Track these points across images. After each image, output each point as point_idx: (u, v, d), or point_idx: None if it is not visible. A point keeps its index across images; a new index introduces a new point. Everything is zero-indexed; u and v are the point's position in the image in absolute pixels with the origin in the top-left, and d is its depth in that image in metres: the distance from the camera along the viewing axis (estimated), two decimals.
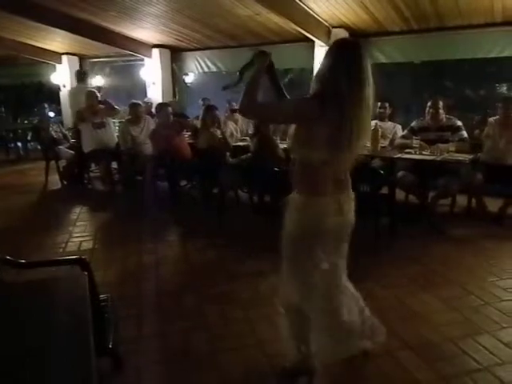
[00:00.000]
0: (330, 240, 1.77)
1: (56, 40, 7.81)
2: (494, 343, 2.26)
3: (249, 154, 4.77)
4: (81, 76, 6.12)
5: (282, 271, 1.88)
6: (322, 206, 1.71)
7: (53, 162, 6.29)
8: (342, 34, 5.98)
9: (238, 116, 6.07)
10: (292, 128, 1.74)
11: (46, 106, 11.49)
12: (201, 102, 6.65)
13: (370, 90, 1.64)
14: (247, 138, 5.42)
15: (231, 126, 5.89)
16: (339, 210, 1.73)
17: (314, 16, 5.49)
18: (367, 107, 1.65)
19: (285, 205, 1.79)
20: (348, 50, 1.67)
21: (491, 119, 4.47)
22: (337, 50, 1.67)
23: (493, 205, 4.56)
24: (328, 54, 1.68)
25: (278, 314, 2.04)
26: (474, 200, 4.55)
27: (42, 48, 8.44)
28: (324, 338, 1.79)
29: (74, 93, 6.01)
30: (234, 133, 5.93)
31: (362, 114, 1.63)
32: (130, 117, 5.73)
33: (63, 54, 8.95)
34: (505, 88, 5.82)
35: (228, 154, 5.08)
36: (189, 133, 5.85)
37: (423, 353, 2.18)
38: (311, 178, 1.70)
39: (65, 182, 6.29)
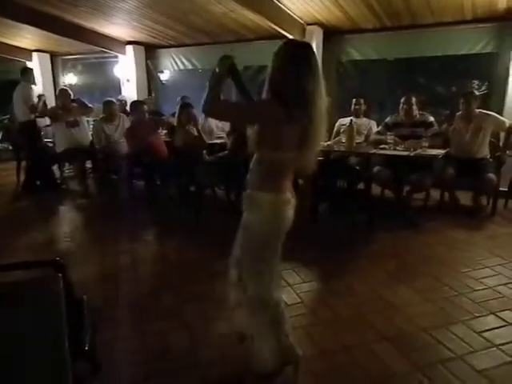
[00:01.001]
0: (283, 236, 1.83)
1: (26, 37, 7.59)
2: (467, 332, 2.33)
3: (226, 152, 4.76)
4: (25, 72, 6.01)
5: (244, 269, 1.89)
6: (285, 203, 1.76)
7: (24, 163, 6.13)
8: (317, 31, 6.03)
9: None
10: (253, 129, 1.74)
11: None
12: (178, 100, 6.58)
13: (322, 88, 1.69)
14: (224, 135, 5.40)
15: (212, 122, 5.87)
16: (292, 205, 1.80)
17: (288, 13, 5.50)
18: (324, 104, 1.70)
19: (244, 202, 1.80)
20: (303, 49, 1.70)
21: (457, 114, 4.63)
22: (293, 51, 1.68)
23: (464, 198, 4.71)
24: (283, 55, 1.68)
25: (248, 316, 2.02)
26: (446, 194, 4.69)
27: (11, 45, 8.18)
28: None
29: (17, 90, 5.91)
30: (215, 129, 5.92)
31: (322, 111, 1.69)
32: (103, 115, 5.64)
33: (34, 51, 8.71)
34: (475, 84, 5.96)
35: (204, 151, 5.06)
36: (165, 131, 5.80)
37: (398, 344, 2.24)
38: (275, 176, 1.73)
39: (38, 183, 6.14)
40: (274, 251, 1.83)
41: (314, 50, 1.74)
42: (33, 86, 6.10)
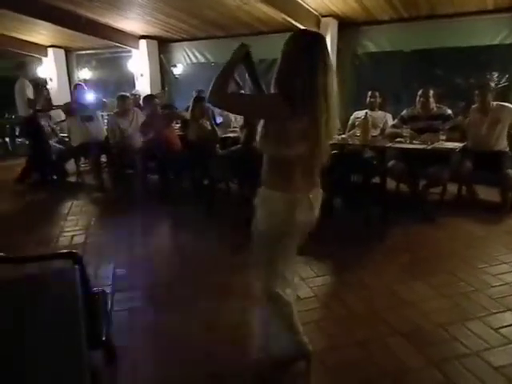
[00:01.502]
0: (296, 235, 1.80)
1: (41, 33, 7.67)
2: (484, 328, 2.30)
3: (238, 146, 4.76)
4: (20, 67, 6.09)
5: (257, 266, 1.91)
6: (294, 203, 1.69)
7: None
8: (332, 23, 5.96)
9: None
10: (260, 124, 1.68)
11: None
12: (194, 94, 6.59)
13: (334, 79, 1.62)
14: (237, 129, 5.40)
15: (231, 114, 5.87)
16: (309, 206, 1.74)
17: (302, 5, 5.45)
18: (335, 98, 1.62)
19: (257, 200, 1.78)
20: (314, 38, 1.62)
21: (472, 107, 4.55)
22: (304, 40, 1.61)
23: (484, 192, 4.63)
24: (292, 45, 1.61)
25: (266, 305, 2.04)
26: (464, 188, 4.61)
27: (27, 41, 8.28)
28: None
29: (20, 86, 6.00)
30: (233, 120, 5.92)
31: (332, 107, 1.61)
32: (117, 110, 5.67)
33: (49, 46, 8.80)
34: (495, 76, 5.82)
35: (217, 145, 5.06)
36: (178, 124, 5.81)
37: (413, 339, 2.21)
38: (283, 174, 1.68)
39: (54, 177, 6.23)
40: (274, 251, 1.80)
41: (329, 42, 1.69)
42: (26, 81, 6.15)
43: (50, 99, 6.18)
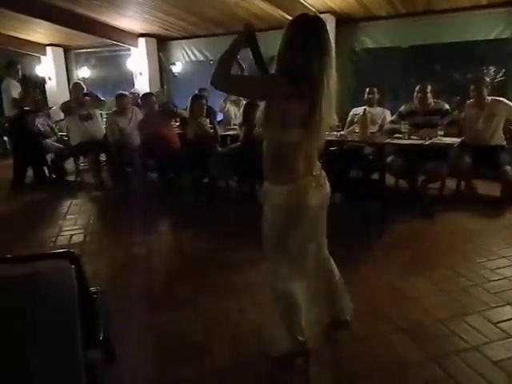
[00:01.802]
0: (313, 221, 1.82)
1: (39, 31, 7.65)
2: (483, 323, 2.30)
3: (238, 143, 4.75)
4: (9, 67, 6.07)
5: (268, 261, 1.90)
6: (301, 190, 1.71)
7: None
8: (329, 19, 5.93)
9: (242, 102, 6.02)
10: (262, 107, 1.69)
11: None
12: (196, 92, 6.56)
13: (333, 65, 1.62)
14: (236, 126, 5.39)
15: (231, 110, 5.87)
16: (317, 186, 1.75)
17: (299, 1, 5.43)
18: (334, 83, 1.63)
19: (262, 197, 1.79)
20: (313, 22, 1.63)
21: (467, 102, 4.55)
22: (303, 24, 1.61)
23: (482, 187, 4.63)
24: (292, 29, 1.61)
25: (270, 302, 2.05)
26: (463, 183, 4.61)
27: (25, 40, 8.27)
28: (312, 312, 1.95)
29: (5, 86, 6.01)
30: (233, 117, 5.91)
31: (330, 90, 1.61)
32: (116, 108, 5.67)
33: (47, 45, 8.78)
34: (492, 71, 5.81)
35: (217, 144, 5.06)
36: (177, 123, 5.81)
37: (414, 335, 2.22)
38: (284, 163, 1.68)
39: (53, 176, 6.23)
40: (284, 244, 1.80)
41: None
42: (13, 81, 6.15)
43: (38, 99, 6.14)
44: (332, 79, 1.61)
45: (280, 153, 1.68)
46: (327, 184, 1.85)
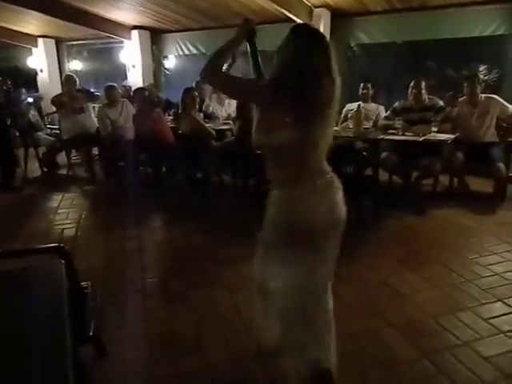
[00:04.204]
0: (316, 238, 1.59)
1: (31, 22, 7.55)
2: (474, 319, 2.31)
3: (232, 138, 4.73)
4: None
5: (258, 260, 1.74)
6: (295, 199, 1.53)
7: (32, 149, 6.14)
8: (324, 13, 5.92)
9: (224, 98, 5.97)
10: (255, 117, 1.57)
11: (24, 91, 11.13)
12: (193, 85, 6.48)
13: (334, 80, 1.52)
14: (230, 121, 5.36)
15: (217, 107, 5.83)
16: (320, 197, 1.56)
17: None
18: (334, 96, 1.54)
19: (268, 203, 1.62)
20: (322, 40, 1.52)
21: (460, 99, 4.55)
22: (309, 41, 1.49)
23: (475, 183, 4.65)
24: (297, 44, 1.49)
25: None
26: (456, 179, 4.63)
27: (16, 31, 8.16)
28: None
29: None
30: (220, 114, 5.86)
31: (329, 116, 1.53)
32: (106, 101, 5.60)
33: (39, 36, 8.68)
34: (487, 67, 5.81)
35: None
36: (170, 117, 5.76)
37: (406, 331, 2.22)
38: (277, 167, 1.56)
39: (45, 170, 6.17)
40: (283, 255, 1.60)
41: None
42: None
43: (6, 89, 6.01)
44: (333, 104, 1.53)
45: (273, 161, 1.57)
46: (338, 196, 1.63)
